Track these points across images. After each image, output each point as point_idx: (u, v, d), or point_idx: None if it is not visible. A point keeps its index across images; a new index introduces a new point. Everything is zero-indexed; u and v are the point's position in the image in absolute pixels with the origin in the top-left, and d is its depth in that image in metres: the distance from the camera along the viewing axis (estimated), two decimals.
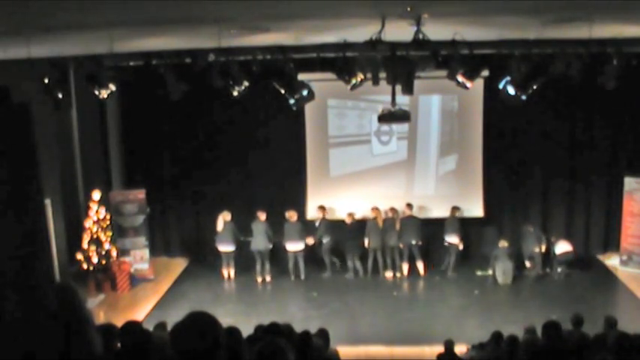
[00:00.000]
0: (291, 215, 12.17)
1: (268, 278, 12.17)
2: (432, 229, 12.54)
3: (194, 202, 13.43)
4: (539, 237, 12.05)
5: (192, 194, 13.34)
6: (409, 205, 12.25)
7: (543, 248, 11.98)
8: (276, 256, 12.40)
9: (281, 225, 12.16)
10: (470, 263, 12.65)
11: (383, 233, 12.11)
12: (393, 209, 12.29)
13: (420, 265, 12.24)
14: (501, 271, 11.64)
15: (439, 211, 12.65)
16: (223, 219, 12.14)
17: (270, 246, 12.15)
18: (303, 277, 12.19)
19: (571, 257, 11.90)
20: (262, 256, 12.11)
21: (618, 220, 12.54)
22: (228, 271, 12.31)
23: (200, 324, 2.39)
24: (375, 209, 12.26)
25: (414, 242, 12.12)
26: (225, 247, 12.18)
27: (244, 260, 12.31)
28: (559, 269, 11.85)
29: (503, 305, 10.92)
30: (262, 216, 12.15)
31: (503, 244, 11.75)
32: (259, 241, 12.06)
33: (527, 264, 12.11)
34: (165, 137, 13.08)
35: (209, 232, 12.73)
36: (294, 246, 12.11)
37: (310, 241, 12.22)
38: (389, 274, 12.24)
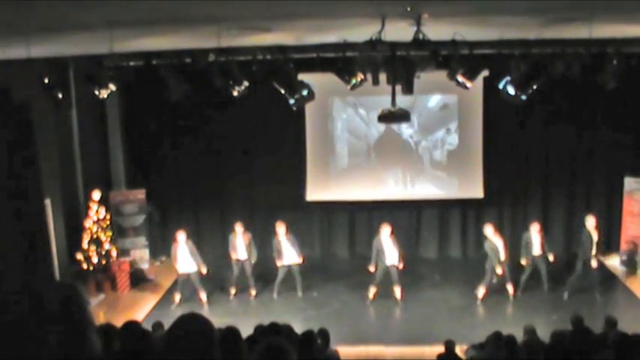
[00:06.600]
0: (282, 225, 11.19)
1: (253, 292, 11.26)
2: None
3: (194, 202, 13.42)
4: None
5: (192, 194, 13.33)
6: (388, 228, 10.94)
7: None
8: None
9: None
10: (469, 262, 12.65)
11: None
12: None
13: (398, 289, 10.87)
14: None
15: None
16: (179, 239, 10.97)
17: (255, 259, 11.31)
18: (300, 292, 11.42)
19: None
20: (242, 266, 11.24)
21: (618, 220, 12.53)
22: (199, 295, 10.66)
23: (192, 328, 2.37)
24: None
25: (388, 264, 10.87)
26: (185, 269, 10.93)
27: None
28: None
29: (503, 305, 10.91)
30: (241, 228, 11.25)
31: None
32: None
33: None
34: (165, 137, 13.08)
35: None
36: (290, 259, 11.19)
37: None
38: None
